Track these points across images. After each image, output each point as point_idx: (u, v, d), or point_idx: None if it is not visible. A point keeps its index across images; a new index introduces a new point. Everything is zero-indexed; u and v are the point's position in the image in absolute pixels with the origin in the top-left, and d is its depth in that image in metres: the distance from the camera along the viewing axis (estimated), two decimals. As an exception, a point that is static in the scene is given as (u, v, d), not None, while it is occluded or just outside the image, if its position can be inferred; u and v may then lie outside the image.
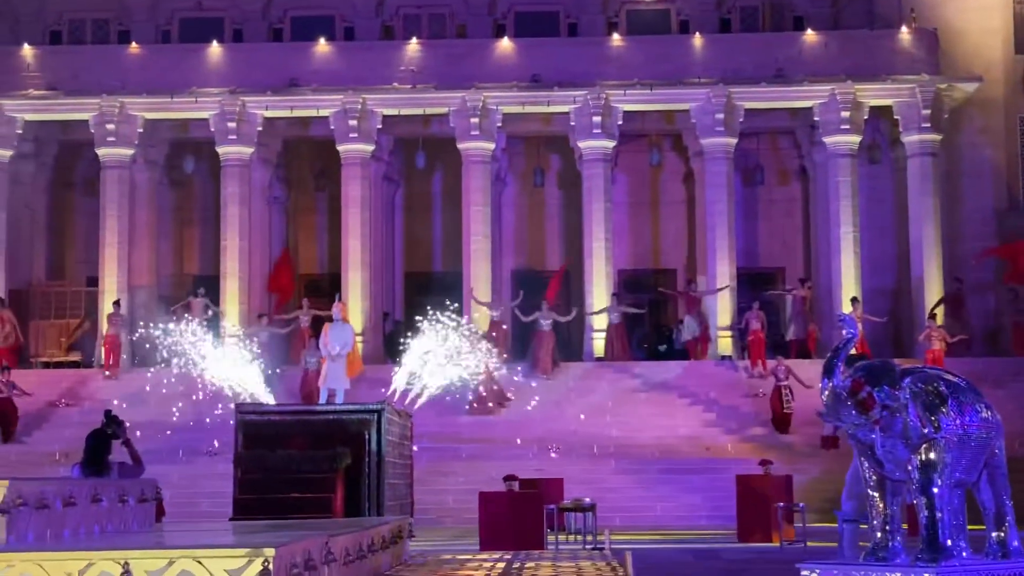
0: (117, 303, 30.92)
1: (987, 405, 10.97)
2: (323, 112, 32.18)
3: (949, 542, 10.33)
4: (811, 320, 31.42)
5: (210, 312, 30.79)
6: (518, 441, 26.24)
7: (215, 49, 32.73)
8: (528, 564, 12.01)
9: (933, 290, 31.37)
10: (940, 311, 30.64)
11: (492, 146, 32.40)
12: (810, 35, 32.55)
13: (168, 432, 25.85)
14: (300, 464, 14.79)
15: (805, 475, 23.40)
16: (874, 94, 31.86)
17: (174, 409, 26.29)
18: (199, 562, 6.30)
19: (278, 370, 27.75)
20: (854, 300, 30.24)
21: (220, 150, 32.11)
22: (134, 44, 33.35)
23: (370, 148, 32.24)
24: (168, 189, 35.16)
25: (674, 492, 24.77)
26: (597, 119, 31.75)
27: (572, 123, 32.23)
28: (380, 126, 32.29)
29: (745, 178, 34.38)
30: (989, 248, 31.73)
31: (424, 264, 35.63)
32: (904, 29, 32.33)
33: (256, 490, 14.70)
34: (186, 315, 27.17)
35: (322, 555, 7.56)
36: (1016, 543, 10.92)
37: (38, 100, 31.97)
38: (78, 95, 31.83)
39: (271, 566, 6.29)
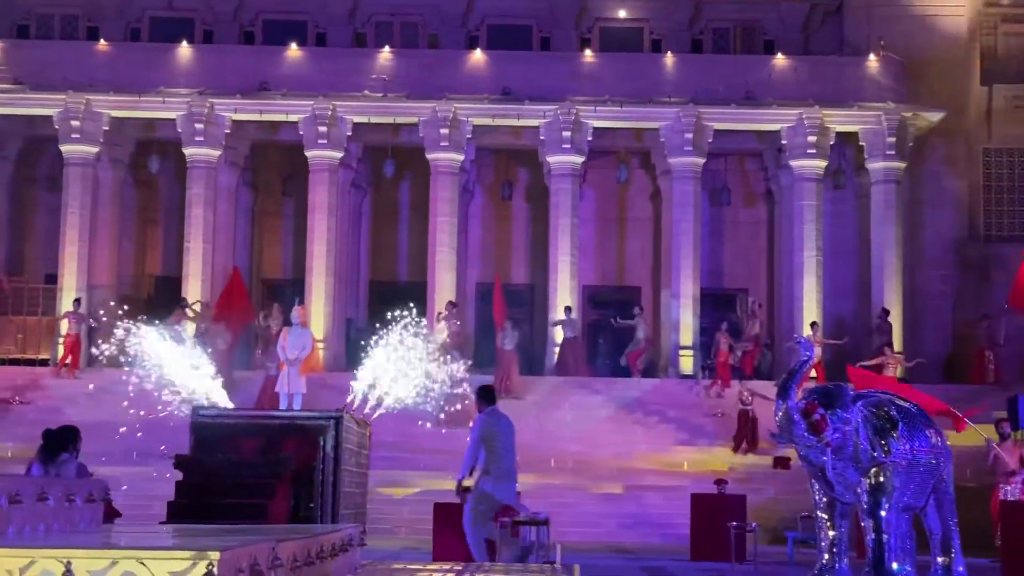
0: (78, 301, 30.72)
1: (937, 431, 11.10)
2: (292, 117, 32.12)
3: (895, 565, 10.43)
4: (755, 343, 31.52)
5: (202, 325, 30.42)
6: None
7: (185, 50, 32.64)
8: (478, 575, 11.99)
9: (893, 317, 31.58)
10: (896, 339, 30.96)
11: (461, 157, 32.42)
12: (780, 59, 32.76)
13: (123, 433, 25.63)
14: (240, 469, 14.64)
15: (760, 495, 23.49)
16: (841, 120, 32.08)
17: (130, 410, 26.09)
18: (142, 563, 6.26)
19: (237, 375, 27.68)
20: (813, 324, 30.45)
21: (187, 151, 32.00)
22: (103, 41, 33.20)
23: (339, 155, 32.20)
24: (133, 188, 34.97)
25: (630, 509, 24.80)
26: (567, 134, 31.84)
27: (542, 137, 32.29)
28: (349, 133, 32.26)
29: (712, 198, 34.51)
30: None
31: (389, 273, 35.58)
32: (872, 57, 32.58)
33: (193, 494, 14.56)
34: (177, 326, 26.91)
35: (269, 560, 7.53)
36: (961, 568, 11.04)
37: (3, 94, 31.75)
38: (44, 90, 31.64)
39: (215, 569, 6.26)
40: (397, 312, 22.38)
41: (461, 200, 33.38)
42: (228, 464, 14.63)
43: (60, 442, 11.23)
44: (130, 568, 6.29)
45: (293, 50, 32.72)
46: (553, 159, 32.26)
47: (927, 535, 11.23)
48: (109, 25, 35.19)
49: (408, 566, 13.84)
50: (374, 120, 32.45)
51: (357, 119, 32.21)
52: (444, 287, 31.58)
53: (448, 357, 24.45)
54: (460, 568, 13.59)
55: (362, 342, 28.11)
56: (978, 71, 33.92)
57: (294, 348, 21.30)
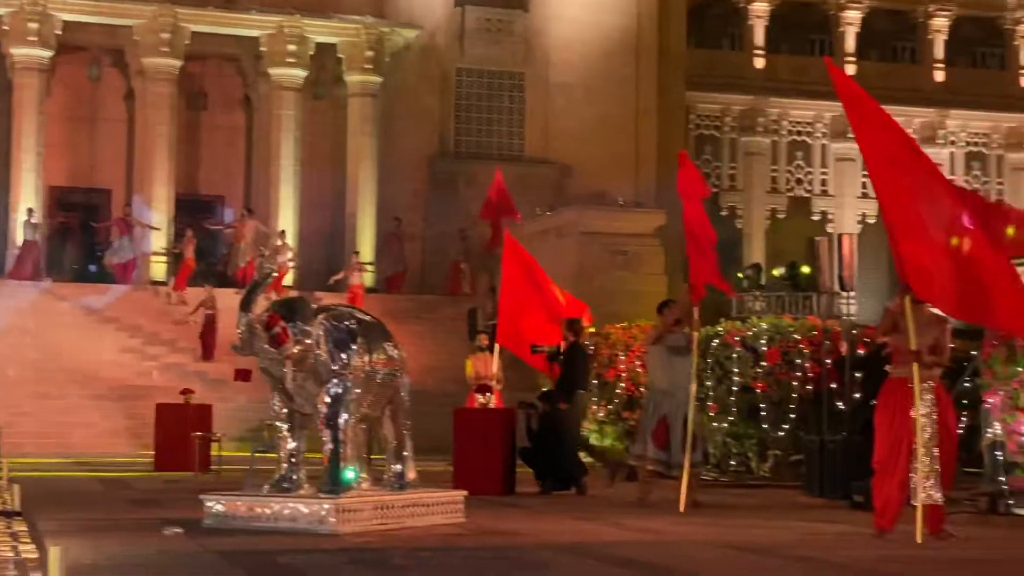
0: None
1: (395, 344, 11.48)
2: None
3: (351, 473, 10.76)
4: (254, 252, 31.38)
5: None
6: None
7: None
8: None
9: (366, 227, 32.40)
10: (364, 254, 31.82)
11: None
12: (253, -36, 32.39)
13: None
14: None
15: (229, 404, 23.43)
16: (321, 31, 32.28)
17: None
18: None
19: None
20: (282, 233, 30.72)
21: None
22: None
23: None
24: None
25: (95, 419, 24.12)
26: (33, 26, 30.11)
27: (5, 27, 30.32)
28: None
29: (189, 102, 33.76)
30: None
31: None
32: (351, -31, 32.89)
33: None
34: None
35: None
36: (413, 475, 11.55)
37: None
38: None
39: None
40: None
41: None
42: None
43: None
44: None
45: None
46: (17, 52, 30.40)
47: (382, 444, 11.63)
48: None
49: None
50: None
51: None
52: None
53: None
54: None
55: None
56: (453, -8, 35.03)
57: None
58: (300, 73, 32.17)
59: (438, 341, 28.06)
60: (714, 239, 13.48)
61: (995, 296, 9.92)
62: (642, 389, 17.87)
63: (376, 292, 31.16)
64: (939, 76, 39.02)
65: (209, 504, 10.55)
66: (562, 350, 15.78)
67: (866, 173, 37.25)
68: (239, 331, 10.65)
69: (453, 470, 14.97)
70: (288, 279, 29.85)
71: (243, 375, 17.84)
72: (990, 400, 13.10)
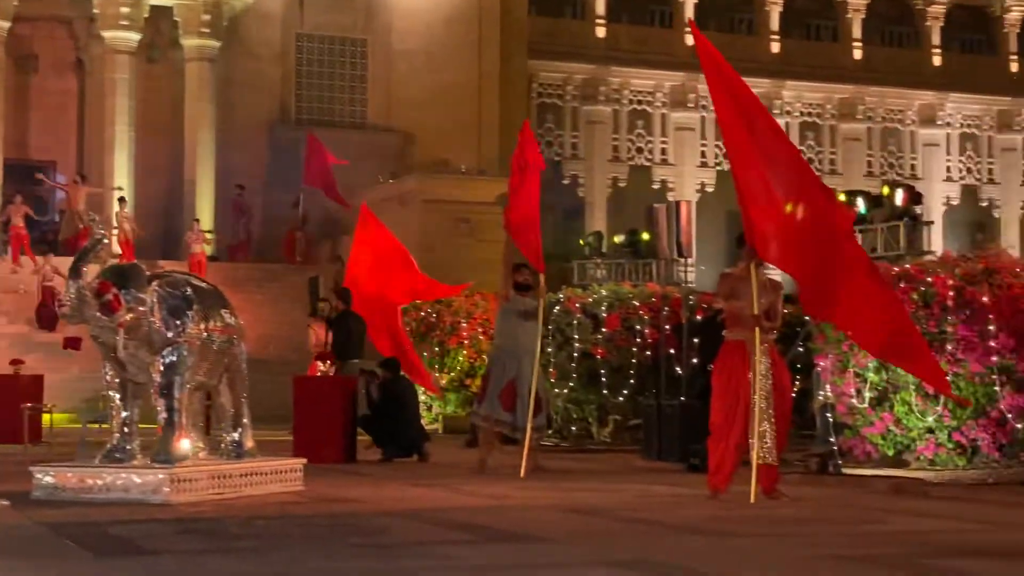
0: None
1: (231, 311, 11.27)
2: None
3: (187, 443, 10.54)
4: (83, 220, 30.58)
5: None
6: None
7: None
8: None
9: (205, 195, 31.83)
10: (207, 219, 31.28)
11: None
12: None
13: None
14: None
15: (61, 375, 22.85)
16: (152, -7, 31.59)
17: None
18: None
19: None
20: (122, 200, 30.01)
21: None
22: None
23: None
24: None
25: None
26: None
27: None
28: None
29: (18, 65, 32.70)
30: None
31: None
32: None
33: None
34: None
35: None
36: (251, 444, 11.38)
37: None
38: None
39: None
40: None
41: None
42: None
43: None
44: None
45: None
46: None
47: (220, 412, 11.44)
48: None
49: None
50: None
51: None
52: None
53: None
54: None
55: None
56: (294, -44, 34.51)
57: None
58: (134, 36, 31.41)
59: (280, 310, 27.76)
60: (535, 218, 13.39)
61: (812, 274, 10.17)
62: (484, 356, 17.91)
63: (218, 261, 30.67)
64: (775, 47, 39.79)
65: (38, 476, 10.24)
66: (333, 317, 15.97)
67: (704, 142, 38.39)
68: (68, 298, 10.34)
69: (293, 438, 14.80)
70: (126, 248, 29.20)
71: (72, 343, 17.39)
72: (821, 363, 13.45)
